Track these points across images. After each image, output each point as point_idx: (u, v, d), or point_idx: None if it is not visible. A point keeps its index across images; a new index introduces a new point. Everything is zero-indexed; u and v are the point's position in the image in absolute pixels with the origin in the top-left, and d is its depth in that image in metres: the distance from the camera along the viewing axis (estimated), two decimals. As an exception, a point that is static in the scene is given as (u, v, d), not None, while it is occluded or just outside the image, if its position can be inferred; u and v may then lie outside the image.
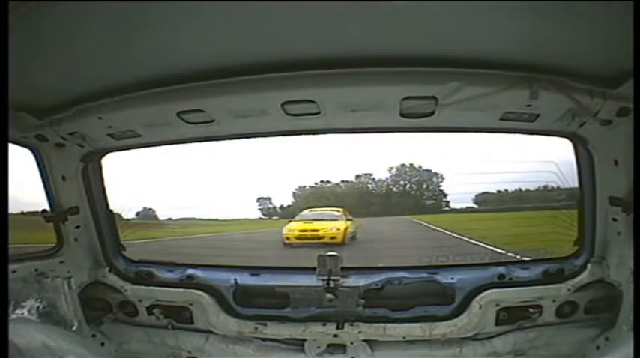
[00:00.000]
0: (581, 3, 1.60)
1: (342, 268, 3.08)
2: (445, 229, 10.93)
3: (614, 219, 2.65)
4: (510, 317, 2.99)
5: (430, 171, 12.09)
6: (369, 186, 12.87)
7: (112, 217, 3.25)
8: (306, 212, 11.53)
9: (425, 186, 12.23)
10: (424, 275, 3.15)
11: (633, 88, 1.93)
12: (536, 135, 2.69)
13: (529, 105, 2.29)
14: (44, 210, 2.94)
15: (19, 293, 2.84)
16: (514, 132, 2.66)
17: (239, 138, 2.86)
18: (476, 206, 11.18)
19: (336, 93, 2.28)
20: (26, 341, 2.65)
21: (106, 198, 3.18)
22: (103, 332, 3.24)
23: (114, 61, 2.08)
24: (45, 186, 2.91)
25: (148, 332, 3.28)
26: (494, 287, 2.98)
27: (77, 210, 3.01)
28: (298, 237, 10.23)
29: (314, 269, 3.08)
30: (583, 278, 2.87)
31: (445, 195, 11.99)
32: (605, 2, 1.59)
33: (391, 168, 12.46)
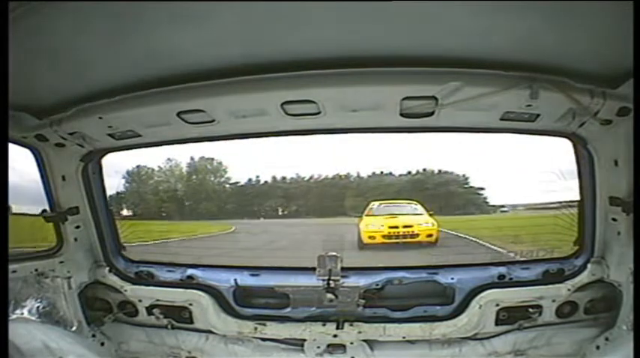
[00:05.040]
0: (581, 3, 1.60)
1: (342, 268, 3.07)
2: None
3: (614, 219, 2.65)
4: (510, 317, 2.99)
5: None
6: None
7: (112, 217, 3.25)
8: (376, 205, 10.16)
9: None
10: (424, 275, 3.15)
11: (633, 88, 1.93)
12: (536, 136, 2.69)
13: (529, 105, 2.29)
14: (44, 210, 2.94)
15: (19, 293, 2.84)
16: (514, 132, 2.66)
17: (239, 138, 2.86)
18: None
19: (336, 93, 2.28)
20: (26, 341, 2.65)
21: (105, 198, 3.18)
22: (103, 332, 3.24)
23: (114, 61, 2.08)
24: (45, 186, 2.91)
25: (147, 332, 3.29)
26: (494, 287, 2.99)
27: (77, 210, 3.01)
28: (388, 235, 9.03)
29: (314, 269, 3.08)
30: (583, 278, 2.87)
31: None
32: (605, 2, 1.59)
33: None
